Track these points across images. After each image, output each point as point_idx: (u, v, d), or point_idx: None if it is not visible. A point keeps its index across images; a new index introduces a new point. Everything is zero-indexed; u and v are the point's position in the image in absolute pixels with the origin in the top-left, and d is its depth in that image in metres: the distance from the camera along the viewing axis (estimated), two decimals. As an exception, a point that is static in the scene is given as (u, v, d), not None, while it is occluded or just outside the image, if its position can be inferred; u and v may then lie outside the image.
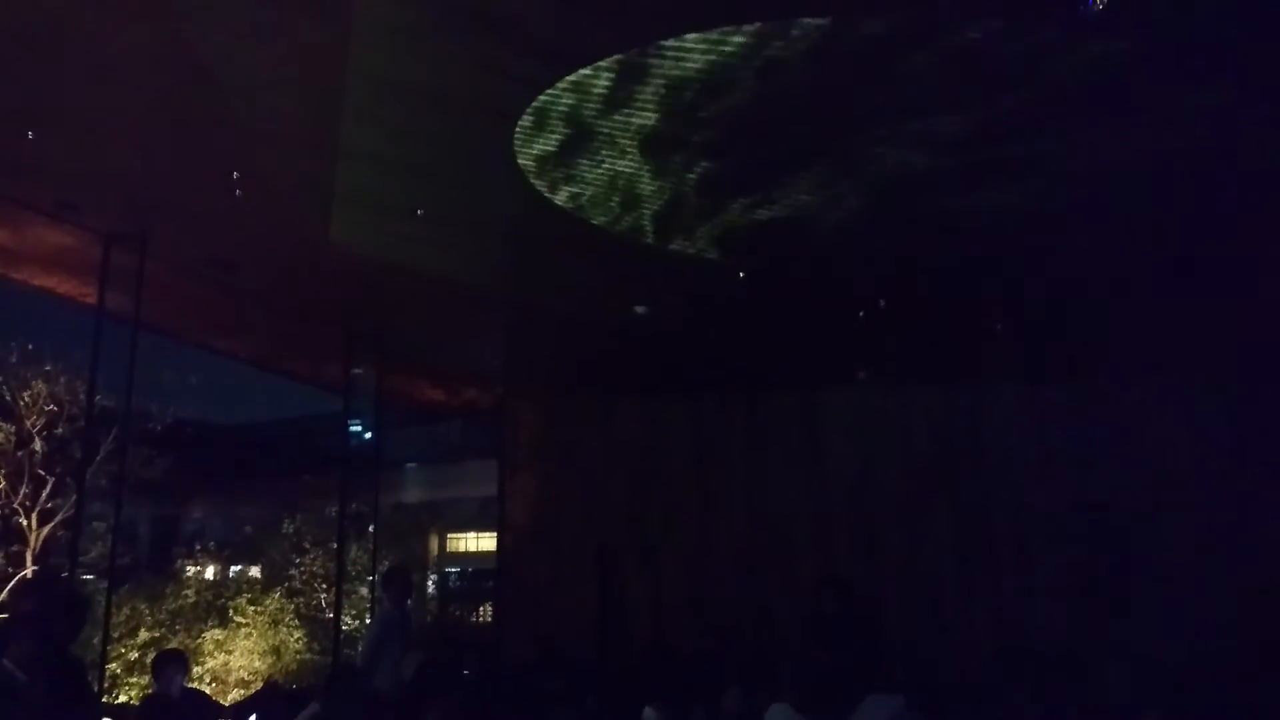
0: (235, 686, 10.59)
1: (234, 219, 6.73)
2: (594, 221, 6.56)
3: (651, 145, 5.56)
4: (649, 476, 10.50)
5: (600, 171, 5.92)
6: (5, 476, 9.99)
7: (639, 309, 8.13)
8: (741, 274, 7.28)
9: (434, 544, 20.25)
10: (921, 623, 8.85)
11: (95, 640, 6.68)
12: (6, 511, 9.91)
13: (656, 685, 4.24)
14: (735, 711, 4.15)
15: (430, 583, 19.51)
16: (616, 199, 6.28)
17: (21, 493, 9.96)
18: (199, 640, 11.04)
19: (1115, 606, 8.42)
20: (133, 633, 10.26)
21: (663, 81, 4.90)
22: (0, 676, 4.41)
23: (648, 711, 3.82)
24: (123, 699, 8.60)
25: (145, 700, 5.87)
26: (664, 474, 10.50)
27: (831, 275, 7.42)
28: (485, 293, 8.23)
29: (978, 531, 9.41)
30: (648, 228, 6.70)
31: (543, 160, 5.79)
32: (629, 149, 5.62)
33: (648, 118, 5.26)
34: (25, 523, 9.92)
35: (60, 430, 10.03)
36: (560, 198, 6.25)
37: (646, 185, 6.08)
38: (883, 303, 7.72)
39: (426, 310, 8.77)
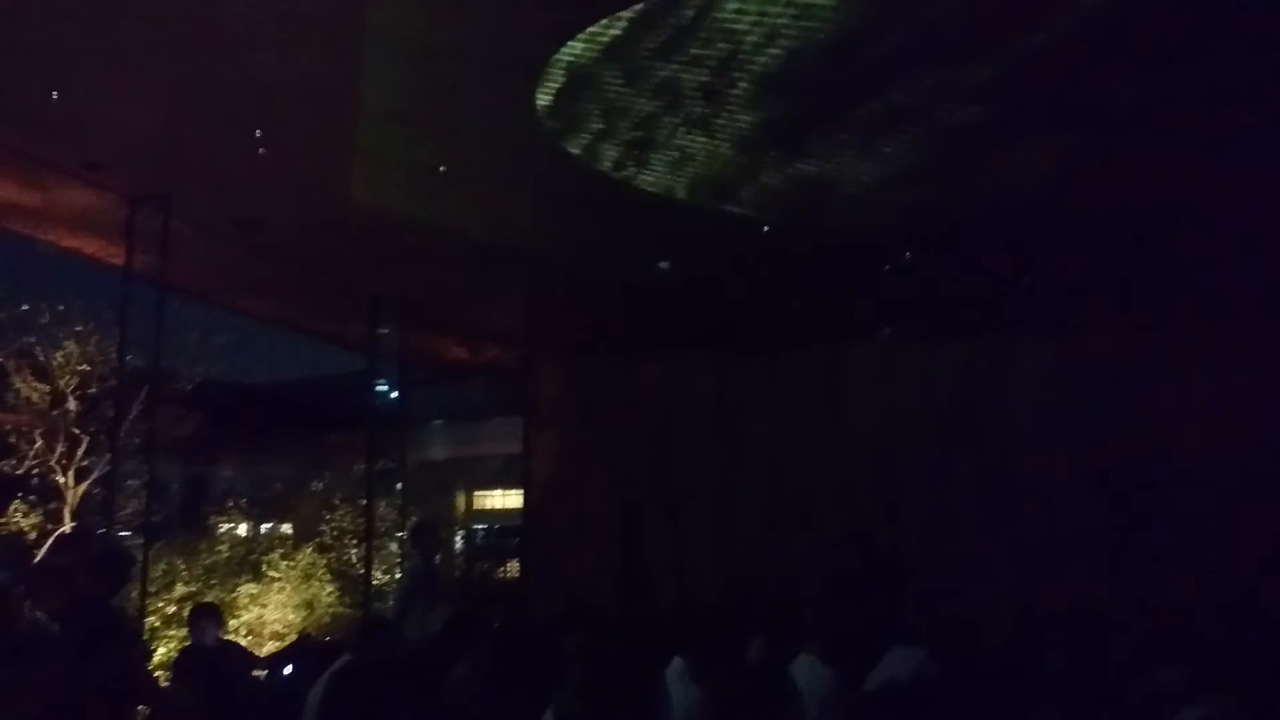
0: (270, 639, 10.80)
1: (257, 178, 6.75)
2: (616, 176, 6.52)
3: (675, 97, 5.49)
4: (673, 433, 10.53)
5: (623, 125, 5.87)
6: (41, 435, 10.14)
7: (663, 264, 8.10)
8: (766, 228, 7.23)
9: (461, 501, 20.48)
10: (944, 578, 8.86)
11: (134, 595, 6.83)
12: (44, 469, 10.07)
13: (682, 639, 4.28)
14: (761, 663, 4.19)
15: (458, 539, 19.77)
16: (639, 153, 6.23)
17: (58, 451, 10.12)
18: (233, 594, 11.26)
19: (1140, 561, 8.40)
20: (169, 587, 10.46)
21: (686, 31, 4.83)
22: (32, 627, 4.55)
23: (676, 662, 3.86)
24: (162, 651, 8.79)
25: (182, 651, 6.01)
26: (688, 430, 10.53)
27: (856, 230, 7.35)
28: (508, 249, 8.23)
29: (1001, 487, 9.39)
30: (671, 182, 6.65)
31: (565, 115, 5.74)
32: (652, 101, 5.56)
33: (671, 69, 5.20)
34: (62, 480, 10.09)
35: (93, 390, 10.16)
36: (582, 152, 6.21)
37: (670, 139, 6.02)
38: (908, 256, 7.65)
39: (450, 268, 8.79)
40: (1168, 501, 8.60)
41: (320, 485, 13.53)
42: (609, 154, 6.25)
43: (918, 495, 9.50)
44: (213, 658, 5.44)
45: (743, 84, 5.30)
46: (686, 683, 3.77)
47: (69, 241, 8.54)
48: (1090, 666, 3.85)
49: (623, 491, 10.08)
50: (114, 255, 8.02)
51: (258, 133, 5.92)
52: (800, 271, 8.21)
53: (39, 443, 10.15)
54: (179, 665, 5.55)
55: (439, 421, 17.03)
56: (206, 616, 6.06)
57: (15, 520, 9.70)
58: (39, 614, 4.59)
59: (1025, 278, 7.91)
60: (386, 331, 10.54)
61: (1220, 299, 8.24)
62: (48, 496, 9.99)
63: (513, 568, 14.80)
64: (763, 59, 5.00)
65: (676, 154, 6.22)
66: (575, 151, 6.17)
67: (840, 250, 7.69)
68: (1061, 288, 8.28)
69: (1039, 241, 7.37)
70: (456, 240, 7.97)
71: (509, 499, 18.11)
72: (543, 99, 5.53)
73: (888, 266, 7.87)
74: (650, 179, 6.57)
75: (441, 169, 6.46)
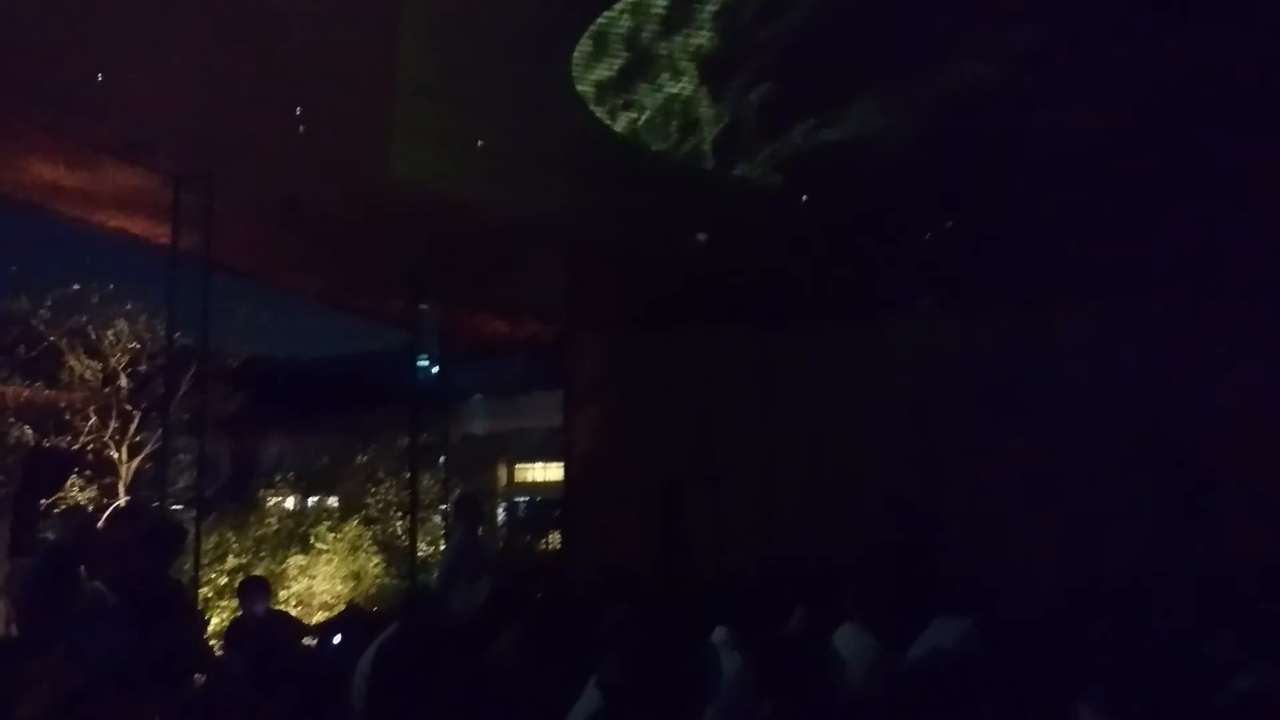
0: (319, 609, 11.03)
1: (298, 157, 6.81)
2: (654, 149, 6.49)
3: (711, 68, 5.44)
4: (712, 406, 10.52)
5: (659, 97, 5.83)
6: (95, 412, 10.38)
7: (700, 236, 8.06)
8: (804, 197, 7.16)
9: (502, 474, 20.64)
10: (987, 549, 8.80)
11: (187, 566, 7.00)
12: (98, 445, 10.32)
13: (723, 609, 4.30)
14: (802, 632, 4.20)
15: (500, 512, 19.95)
16: (676, 125, 6.19)
17: (111, 427, 10.36)
18: (283, 566, 11.50)
19: (1189, 530, 8.27)
20: (221, 559, 10.72)
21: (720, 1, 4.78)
22: (92, 597, 4.69)
23: (718, 632, 3.88)
24: (215, 621, 9.01)
25: (233, 622, 6.16)
26: (727, 403, 10.53)
27: (895, 197, 7.25)
28: (546, 224, 8.23)
29: (1045, 456, 9.28)
30: (708, 154, 6.60)
31: (601, 87, 5.71)
32: (688, 72, 5.51)
33: (706, 39, 5.15)
34: (116, 455, 10.33)
35: (143, 367, 10.37)
36: (619, 125, 6.18)
37: (706, 110, 5.97)
38: (950, 224, 7.54)
39: (488, 243, 8.81)
40: (1217, 469, 8.45)
41: (365, 459, 13.72)
42: (646, 126, 6.21)
43: (961, 464, 9.43)
44: (263, 627, 5.57)
45: (776, 50, 5.23)
46: (728, 652, 3.79)
47: (116, 222, 8.68)
48: (1139, 636, 3.81)
49: (663, 464, 10.11)
50: (159, 235, 8.15)
51: (297, 110, 5.96)
52: (840, 241, 8.13)
53: (93, 419, 10.39)
54: (231, 635, 5.69)
55: (479, 396, 17.14)
56: (255, 589, 6.21)
57: (72, 495, 9.96)
58: (98, 585, 4.73)
59: (1069, 242, 7.77)
60: (427, 307, 10.62)
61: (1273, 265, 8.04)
62: (103, 471, 10.24)
63: (554, 540, 14.93)
64: (792, 22, 4.92)
65: (714, 124, 6.17)
66: (611, 123, 6.14)
67: (880, 219, 7.61)
68: (1110, 250, 8.12)
69: (1081, 206, 7.23)
70: (495, 215, 7.99)
71: (550, 472, 18.21)
72: (580, 71, 5.51)
73: (928, 235, 7.78)
74: (688, 150, 6.52)
75: (480, 144, 6.46)
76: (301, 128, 6.09)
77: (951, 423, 9.60)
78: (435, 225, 8.23)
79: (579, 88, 5.69)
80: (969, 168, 6.71)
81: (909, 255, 8.31)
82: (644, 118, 6.11)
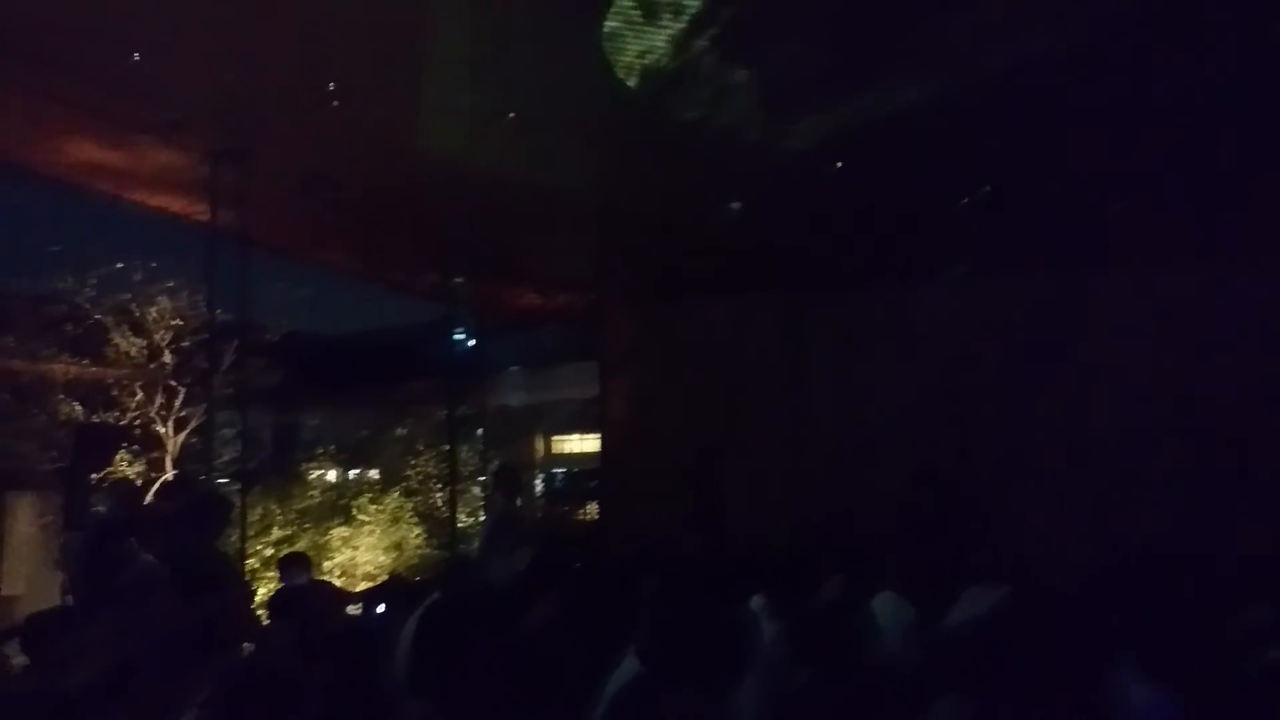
0: (362, 580, 11.23)
1: (331, 132, 6.85)
2: (685, 117, 6.45)
3: (743, 33, 5.39)
4: (746, 375, 10.51)
5: (691, 64, 5.79)
6: (141, 387, 10.59)
7: (734, 205, 8.02)
8: (839, 164, 7.09)
9: (539, 446, 20.77)
10: (1022, 517, 8.74)
11: (233, 538, 7.16)
12: (144, 420, 10.53)
13: (759, 578, 4.33)
14: (838, 600, 4.22)
15: (537, 483, 20.11)
16: (708, 92, 6.14)
17: (157, 402, 10.56)
18: (326, 537, 11.71)
19: (1228, 502, 8.15)
20: (266, 530, 10.93)
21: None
22: (145, 569, 4.82)
23: (755, 600, 3.91)
24: (262, 591, 9.21)
25: (278, 591, 6.30)
26: (761, 372, 10.50)
27: (929, 162, 7.16)
28: (578, 195, 8.23)
29: (1080, 427, 9.17)
30: (741, 121, 6.55)
31: (631, 56, 5.68)
32: (720, 38, 5.46)
33: (739, 3, 5.10)
34: (162, 430, 10.54)
35: (186, 343, 10.55)
36: (650, 94, 6.14)
37: (739, 76, 5.92)
38: (988, 188, 7.44)
39: (521, 215, 8.83)
40: (1256, 438, 8.31)
41: (403, 432, 13.89)
42: (678, 94, 6.17)
43: (995, 434, 9.35)
44: (308, 597, 5.69)
45: (812, 16, 5.17)
46: (766, 621, 3.82)
47: (154, 200, 8.81)
48: (1175, 605, 3.78)
49: (696, 434, 10.13)
50: (198, 212, 8.26)
51: (330, 86, 6.00)
52: (874, 207, 8.05)
53: (139, 395, 10.61)
54: (276, 604, 5.82)
55: (514, 368, 17.23)
56: (295, 565, 6.36)
57: (121, 469, 10.19)
58: (148, 556, 4.85)
59: (1106, 207, 7.63)
60: (461, 281, 10.68)
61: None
62: (150, 446, 10.46)
63: (591, 511, 15.05)
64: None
65: (747, 91, 6.11)
66: (644, 93, 6.11)
67: (914, 184, 7.52)
68: (1148, 214, 7.95)
69: (1120, 171, 7.09)
70: (526, 187, 7.99)
71: (585, 443, 18.29)
72: (610, 40, 5.48)
73: (965, 200, 7.68)
74: (720, 118, 6.48)
75: (511, 115, 6.46)
76: (335, 102, 6.13)
77: (987, 391, 9.51)
78: (468, 198, 8.26)
79: (609, 56, 5.66)
80: (1005, 129, 6.60)
81: (944, 220, 8.21)
82: (675, 85, 6.07)
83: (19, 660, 3.95)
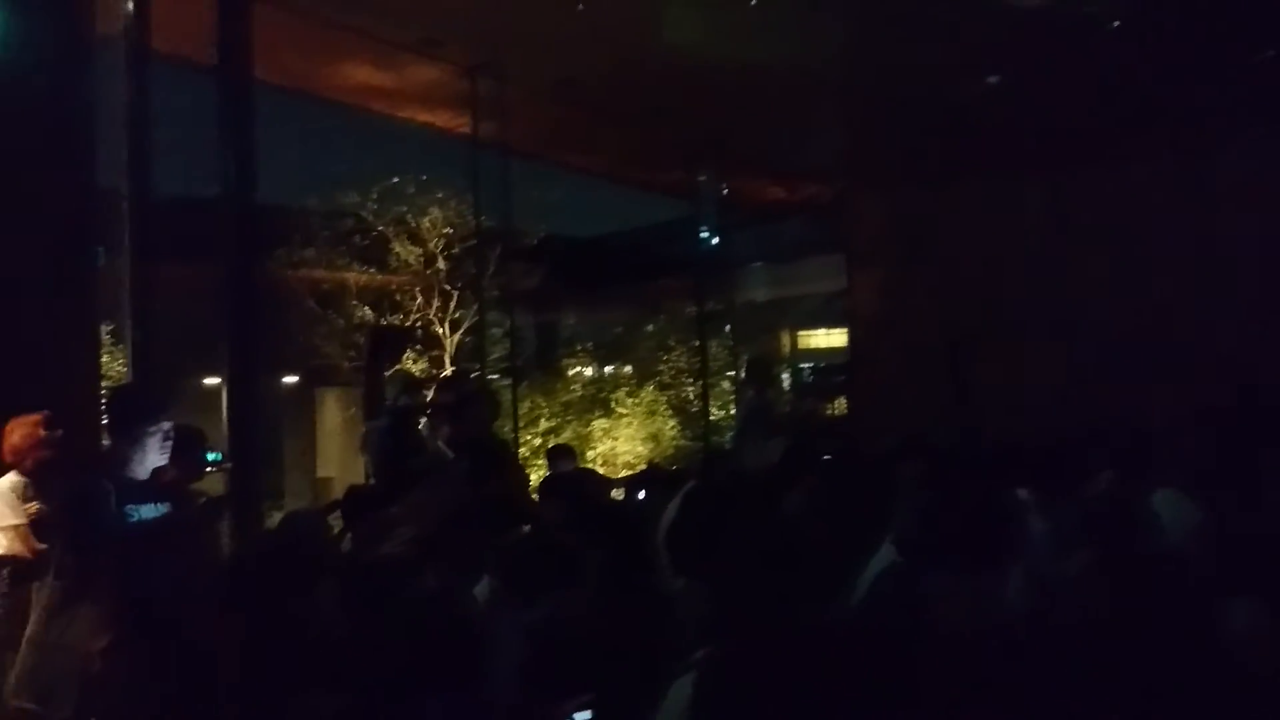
0: (622, 468, 11.85)
1: (576, 36, 7.00)
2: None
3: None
4: (1001, 262, 9.89)
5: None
6: (420, 292, 11.53)
7: (991, 79, 7.46)
8: (1115, 23, 6.39)
9: (785, 340, 20.76)
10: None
11: (506, 429, 7.76)
12: (424, 322, 11.48)
13: (1024, 471, 4.17)
14: (1111, 496, 3.99)
15: (784, 377, 20.18)
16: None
17: (434, 305, 11.47)
18: (588, 429, 12.44)
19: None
20: (534, 422, 11.77)
21: None
22: (434, 454, 5.35)
23: (1021, 492, 3.78)
24: (533, 478, 9.96)
25: (547, 478, 6.79)
26: (1018, 259, 9.84)
27: (1214, 20, 6.29)
28: (822, 80, 7.96)
29: None
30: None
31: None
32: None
33: None
34: (440, 331, 11.47)
35: (455, 250, 11.32)
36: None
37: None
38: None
39: (764, 105, 8.67)
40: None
41: (655, 328, 14.32)
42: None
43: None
44: (576, 482, 6.10)
45: None
46: (1032, 512, 3.69)
47: (421, 116, 9.42)
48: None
49: (948, 325, 9.73)
50: (459, 125, 8.76)
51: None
52: (1152, 74, 7.21)
53: (419, 299, 11.57)
54: (546, 488, 6.29)
55: (759, 263, 17.18)
56: (562, 454, 6.87)
57: (408, 366, 11.21)
58: (438, 443, 5.38)
59: None
60: (706, 177, 10.70)
61: None
62: (430, 345, 11.42)
63: (839, 405, 14.96)
64: None
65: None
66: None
67: (1202, 44, 6.65)
68: None
69: None
70: (769, 77, 7.82)
71: (831, 338, 18.09)
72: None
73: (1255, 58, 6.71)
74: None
75: (752, 2, 6.32)
76: (580, 6, 6.24)
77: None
78: (712, 91, 8.20)
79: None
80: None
81: (1229, 83, 7.22)
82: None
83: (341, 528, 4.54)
